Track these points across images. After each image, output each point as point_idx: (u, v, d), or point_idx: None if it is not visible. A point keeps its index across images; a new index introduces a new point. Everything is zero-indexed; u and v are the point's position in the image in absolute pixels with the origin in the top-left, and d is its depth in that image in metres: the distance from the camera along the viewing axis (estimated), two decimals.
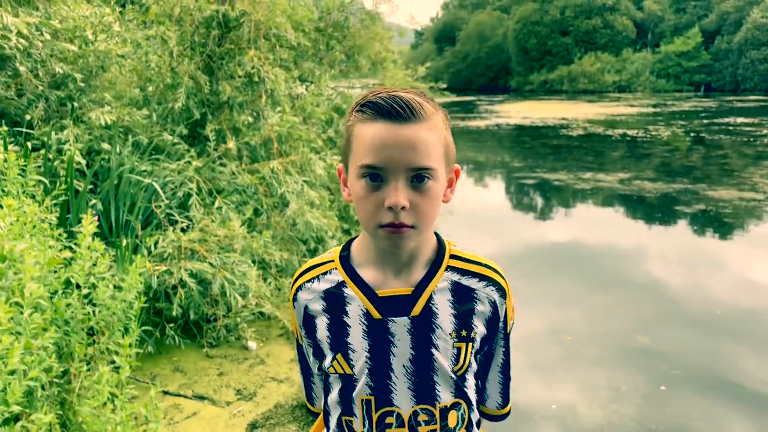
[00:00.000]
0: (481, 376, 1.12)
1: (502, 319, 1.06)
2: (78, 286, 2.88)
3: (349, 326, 1.00)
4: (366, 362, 0.99)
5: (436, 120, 0.95)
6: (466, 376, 1.02)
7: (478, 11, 76.40)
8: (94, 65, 5.28)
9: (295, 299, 1.08)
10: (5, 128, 3.86)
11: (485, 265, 1.05)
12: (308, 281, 1.06)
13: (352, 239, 1.08)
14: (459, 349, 0.99)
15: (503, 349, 1.11)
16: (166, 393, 3.43)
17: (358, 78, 7.17)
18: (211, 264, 3.99)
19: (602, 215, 7.85)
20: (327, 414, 1.08)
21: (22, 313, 2.30)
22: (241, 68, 4.93)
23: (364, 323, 0.99)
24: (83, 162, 4.33)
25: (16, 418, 2.36)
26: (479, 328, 1.02)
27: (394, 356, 0.98)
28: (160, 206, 4.28)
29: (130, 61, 5.65)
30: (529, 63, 61.86)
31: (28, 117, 4.64)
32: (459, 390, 1.01)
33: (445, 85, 7.76)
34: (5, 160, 3.22)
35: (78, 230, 2.86)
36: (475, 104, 36.39)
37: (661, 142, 15.65)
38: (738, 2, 52.25)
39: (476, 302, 1.02)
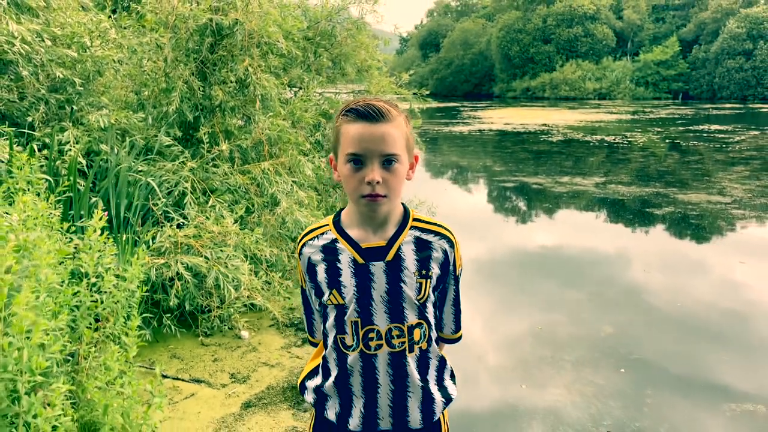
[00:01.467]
0: (439, 309, 1.45)
1: (452, 263, 1.40)
2: (86, 275, 3.14)
3: (341, 270, 1.34)
4: (354, 294, 1.33)
5: (399, 121, 1.30)
6: (426, 304, 1.37)
7: (463, 19, 77.22)
8: (91, 70, 5.52)
9: (300, 253, 1.42)
10: (11, 129, 4.10)
11: (439, 225, 1.40)
12: (310, 240, 1.41)
13: (341, 209, 1.42)
14: (420, 284, 1.34)
15: (454, 287, 1.45)
16: (164, 376, 3.68)
17: (345, 84, 7.45)
18: (206, 258, 4.25)
19: (576, 217, 8.20)
20: (326, 336, 1.40)
21: (38, 297, 2.54)
22: (234, 74, 5.19)
23: (352, 267, 1.34)
24: (83, 162, 4.58)
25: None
26: (435, 269, 1.36)
27: (374, 289, 1.32)
28: (157, 204, 4.53)
29: (125, 67, 5.89)
30: (512, 70, 62.67)
31: (29, 119, 4.86)
32: (421, 313, 1.36)
33: (428, 92, 8.05)
34: (12, 158, 3.45)
35: (83, 224, 3.12)
36: (458, 110, 36.88)
37: (638, 148, 16.14)
38: (715, 13, 53.48)
39: (432, 250, 1.37)
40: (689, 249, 6.61)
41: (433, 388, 1.39)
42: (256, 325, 4.47)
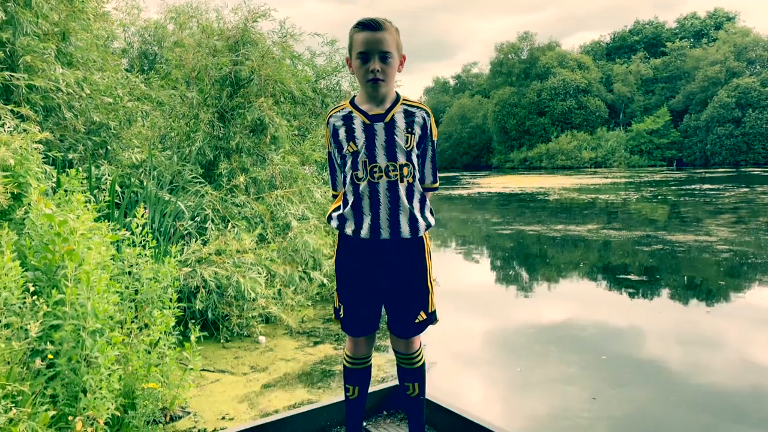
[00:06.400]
0: (421, 164, 2.03)
1: (428, 128, 2.02)
2: (130, 265, 3.63)
3: (355, 129, 1.97)
4: (364, 143, 1.94)
5: (392, 30, 1.94)
6: (411, 153, 1.97)
7: (459, 95, 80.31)
8: (123, 118, 6.20)
9: (328, 123, 2.02)
10: (60, 154, 4.71)
11: (420, 103, 2.01)
12: (334, 113, 2.02)
13: (354, 95, 2.03)
14: (407, 137, 1.96)
15: (431, 148, 2.03)
16: (191, 369, 4.07)
17: None
18: (226, 270, 4.72)
19: (567, 254, 8.64)
20: (345, 176, 1.98)
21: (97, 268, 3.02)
22: (250, 114, 5.84)
23: (362, 126, 1.97)
24: (119, 189, 5.14)
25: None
26: (417, 130, 1.98)
27: (377, 140, 1.94)
28: (183, 225, 5.06)
29: (152, 117, 6.60)
30: (509, 142, 64.58)
31: (70, 156, 5.47)
32: (408, 157, 1.96)
33: None
34: (59, 180, 4.02)
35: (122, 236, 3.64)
36: (458, 178, 37.98)
37: (630, 203, 16.77)
38: (703, 83, 55.64)
39: (415, 117, 2.00)
40: (669, 276, 7.01)
41: (417, 213, 1.97)
42: (272, 334, 4.88)
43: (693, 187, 23.28)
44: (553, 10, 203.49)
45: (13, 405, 2.38)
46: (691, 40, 64.26)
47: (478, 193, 23.07)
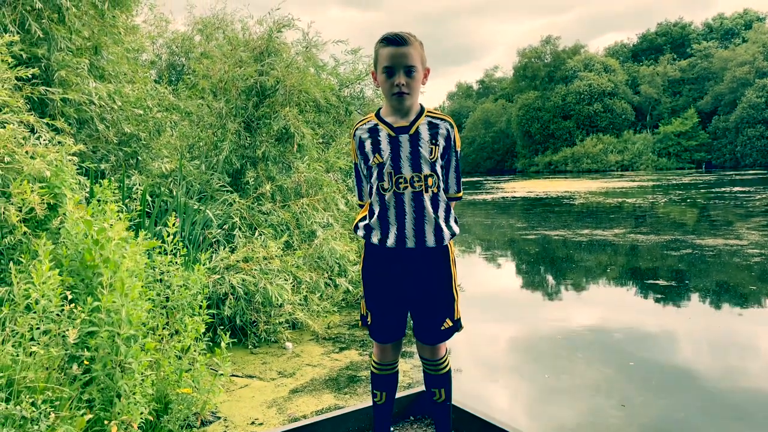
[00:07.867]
0: (445, 174, 2.07)
1: (452, 139, 2.06)
2: (161, 272, 3.72)
3: (380, 141, 2.02)
4: (389, 154, 2.00)
5: (417, 45, 2.00)
6: (435, 164, 2.01)
7: (483, 100, 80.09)
8: (152, 129, 6.35)
9: (354, 135, 2.09)
10: (94, 165, 4.84)
11: (444, 114, 2.05)
12: (361, 126, 2.09)
13: (380, 108, 2.09)
14: (431, 148, 2.01)
15: (455, 159, 2.08)
16: (221, 374, 4.14)
17: None
18: (253, 277, 4.80)
19: (594, 259, 8.55)
20: (371, 186, 2.04)
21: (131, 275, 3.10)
22: (276, 124, 5.93)
23: (387, 139, 2.02)
24: (149, 199, 5.27)
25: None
26: (441, 141, 2.02)
27: (402, 151, 2.00)
28: (212, 233, 5.16)
29: (180, 127, 6.74)
30: (534, 146, 64.13)
31: (102, 166, 5.62)
32: (432, 168, 2.00)
33: None
34: (92, 190, 4.13)
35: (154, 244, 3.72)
36: (482, 183, 37.84)
37: (658, 207, 16.53)
38: (731, 84, 54.60)
39: (439, 128, 2.04)
40: (695, 280, 6.90)
41: (442, 223, 2.01)
42: (298, 339, 4.94)
43: (723, 189, 22.85)
44: (578, 10, 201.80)
45: (52, 409, 2.47)
46: (719, 41, 63.12)
47: (502, 197, 22.96)
